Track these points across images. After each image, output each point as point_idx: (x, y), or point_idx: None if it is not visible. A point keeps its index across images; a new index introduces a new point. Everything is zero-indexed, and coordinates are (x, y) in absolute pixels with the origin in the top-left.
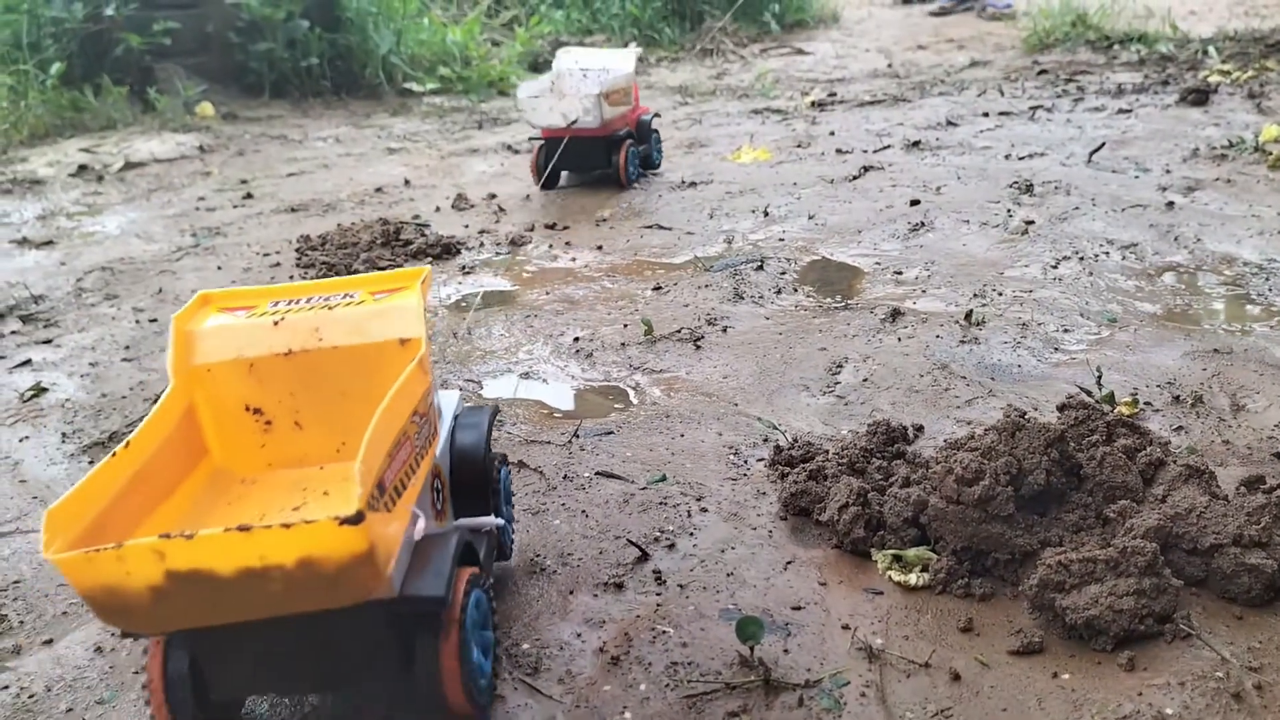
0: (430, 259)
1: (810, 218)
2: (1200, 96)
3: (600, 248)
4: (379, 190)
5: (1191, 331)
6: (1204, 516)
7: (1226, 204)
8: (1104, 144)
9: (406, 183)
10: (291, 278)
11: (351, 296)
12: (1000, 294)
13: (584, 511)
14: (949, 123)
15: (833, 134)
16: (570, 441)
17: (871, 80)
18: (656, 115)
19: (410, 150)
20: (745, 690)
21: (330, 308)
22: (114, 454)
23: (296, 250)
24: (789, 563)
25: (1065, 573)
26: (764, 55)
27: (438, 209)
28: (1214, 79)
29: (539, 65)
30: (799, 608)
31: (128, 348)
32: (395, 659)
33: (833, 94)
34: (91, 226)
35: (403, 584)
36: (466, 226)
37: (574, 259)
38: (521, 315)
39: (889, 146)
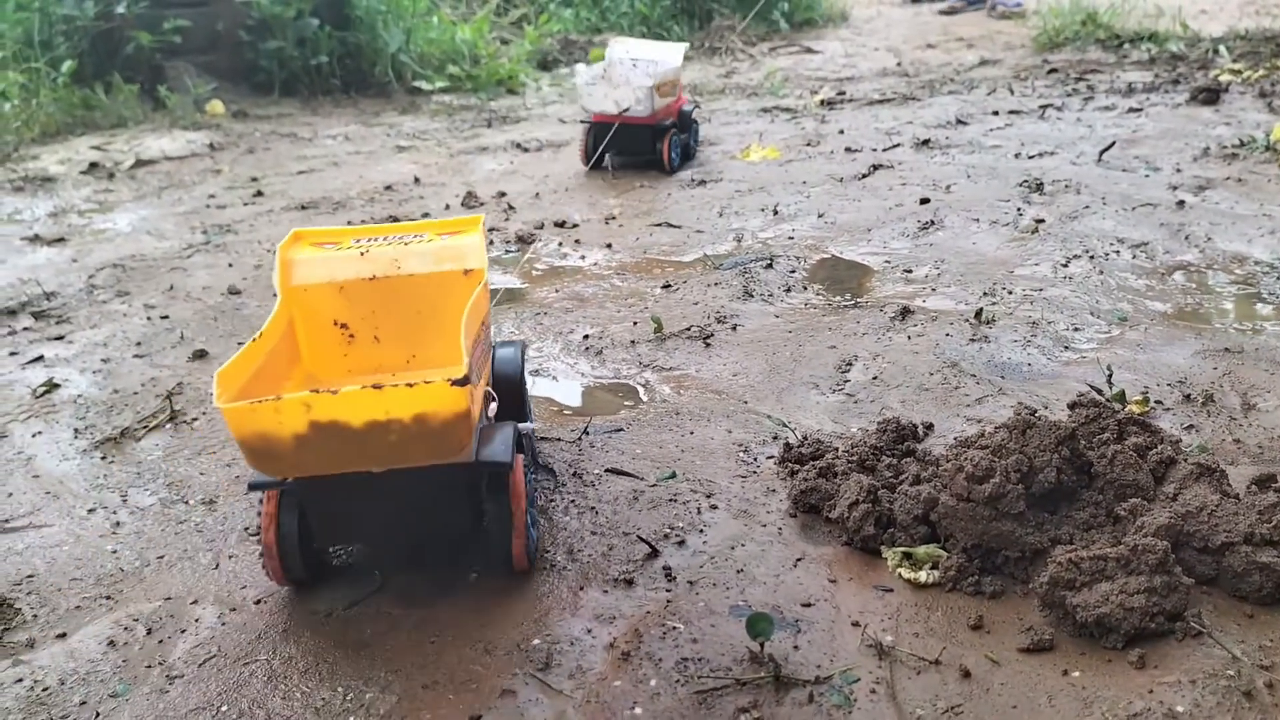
0: None
1: (820, 216)
2: (1211, 95)
3: (610, 246)
4: (388, 188)
5: (1202, 330)
6: (1215, 515)
7: (1237, 203)
8: (1114, 143)
9: (416, 181)
10: None
11: (421, 237)
12: (1010, 292)
13: (594, 508)
14: (958, 121)
15: (842, 132)
16: (580, 438)
17: (881, 79)
18: (696, 106)
19: (419, 148)
20: (755, 686)
21: (406, 244)
22: (251, 341)
23: None
24: (799, 560)
25: (1076, 570)
26: (773, 54)
27: (447, 207)
28: (1225, 78)
29: (548, 64)
30: (809, 604)
31: (139, 344)
32: (467, 517)
33: (842, 92)
34: (103, 224)
35: (477, 452)
36: None
37: (583, 257)
38: (531, 312)
39: (898, 145)
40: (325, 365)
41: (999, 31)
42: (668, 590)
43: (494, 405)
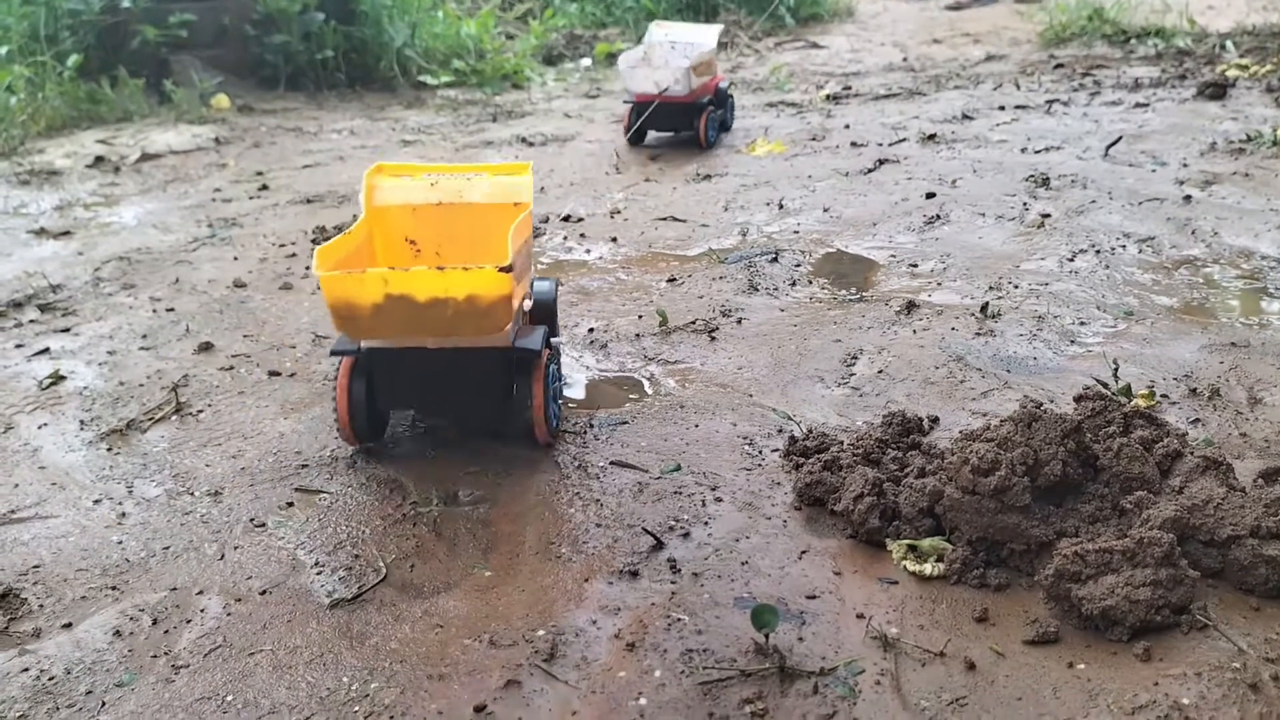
0: None
1: (825, 210)
2: (1218, 91)
3: (615, 240)
4: None
5: (1209, 325)
6: (1221, 508)
7: (1244, 198)
8: (1121, 138)
9: None
10: (308, 269)
11: (481, 176)
12: (1016, 287)
13: (598, 501)
14: (965, 116)
15: (848, 127)
16: (585, 431)
17: (886, 74)
18: (731, 84)
19: (425, 143)
20: (760, 678)
21: (468, 180)
22: (339, 236)
23: (312, 241)
24: (804, 552)
25: (1081, 563)
26: (778, 49)
27: None
28: (1232, 73)
29: (553, 58)
30: (814, 596)
31: (145, 336)
32: (501, 392)
33: (847, 88)
34: (108, 217)
35: (514, 340)
36: None
37: (588, 251)
38: None
39: (904, 140)
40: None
41: (1005, 27)
42: (672, 582)
43: (529, 303)
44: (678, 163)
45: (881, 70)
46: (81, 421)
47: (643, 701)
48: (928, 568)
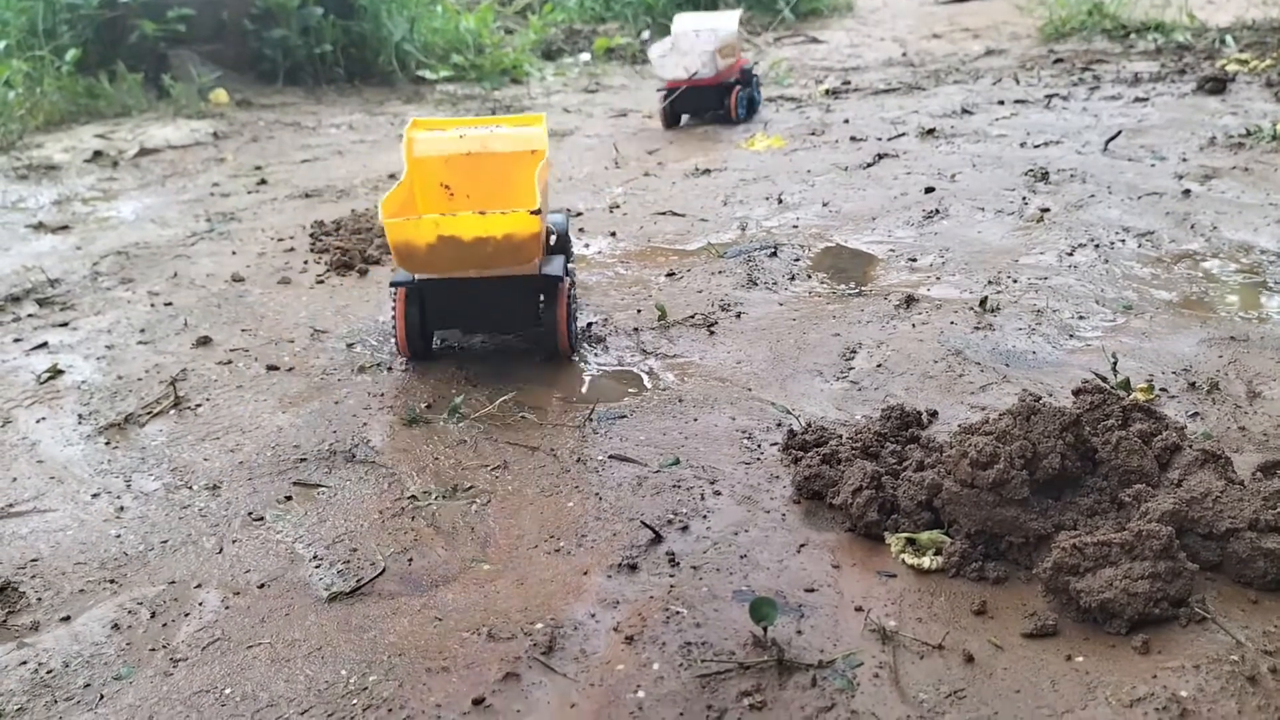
0: None
1: (824, 205)
2: (1218, 85)
3: (614, 234)
4: (392, 177)
5: (1208, 319)
6: (1220, 501)
7: (1244, 192)
8: (1120, 132)
9: None
10: (306, 263)
11: (501, 128)
12: (1015, 281)
13: (597, 494)
14: (964, 111)
15: (847, 122)
16: (584, 425)
17: (886, 69)
18: (756, 64)
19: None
20: (759, 670)
21: (491, 131)
22: (392, 189)
23: (311, 235)
24: (802, 545)
25: (1080, 556)
26: (778, 44)
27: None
28: (1231, 68)
29: (552, 53)
30: (812, 590)
31: (143, 331)
32: (531, 314)
33: (847, 82)
34: (107, 212)
35: (541, 269)
36: None
37: (587, 245)
38: None
39: (903, 134)
40: (433, 213)
41: (1005, 22)
42: (671, 575)
43: (554, 237)
44: (677, 157)
45: (881, 65)
46: (80, 415)
47: (641, 694)
48: (926, 561)
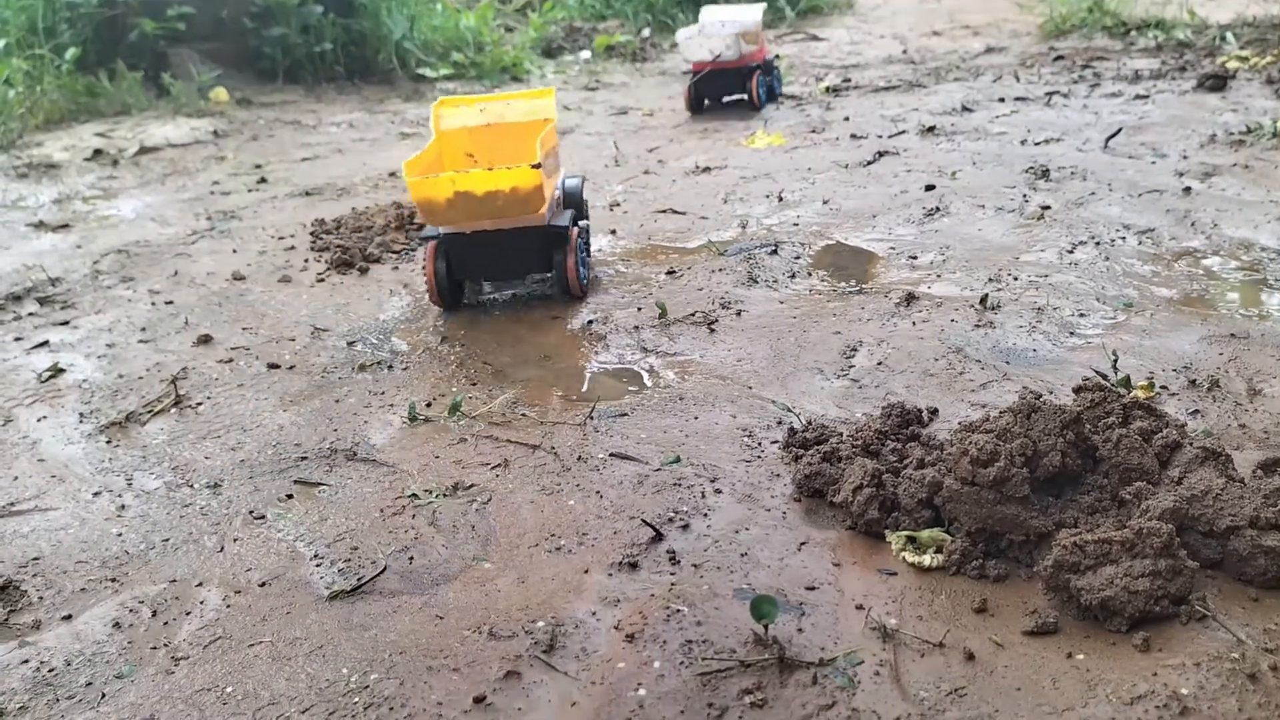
0: None
1: (825, 202)
2: (1218, 82)
3: (614, 232)
4: (392, 175)
5: (1208, 316)
6: (1220, 499)
7: (1244, 189)
8: (1121, 129)
9: None
10: (307, 261)
11: (517, 101)
12: (1016, 279)
13: (598, 492)
14: (964, 108)
15: (847, 119)
16: (585, 423)
17: (886, 66)
18: (778, 56)
19: (423, 135)
20: (759, 668)
21: (507, 105)
22: (418, 154)
23: (311, 233)
24: (803, 543)
25: (1080, 554)
26: (778, 41)
27: None
28: (1232, 65)
29: (552, 50)
30: (813, 588)
31: (144, 329)
32: (543, 261)
33: (847, 80)
34: (107, 210)
35: (549, 221)
36: None
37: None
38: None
39: (904, 132)
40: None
41: (1005, 19)
42: (672, 574)
43: (559, 192)
44: (677, 155)
45: (881, 62)
46: (81, 414)
47: (642, 692)
48: (927, 559)
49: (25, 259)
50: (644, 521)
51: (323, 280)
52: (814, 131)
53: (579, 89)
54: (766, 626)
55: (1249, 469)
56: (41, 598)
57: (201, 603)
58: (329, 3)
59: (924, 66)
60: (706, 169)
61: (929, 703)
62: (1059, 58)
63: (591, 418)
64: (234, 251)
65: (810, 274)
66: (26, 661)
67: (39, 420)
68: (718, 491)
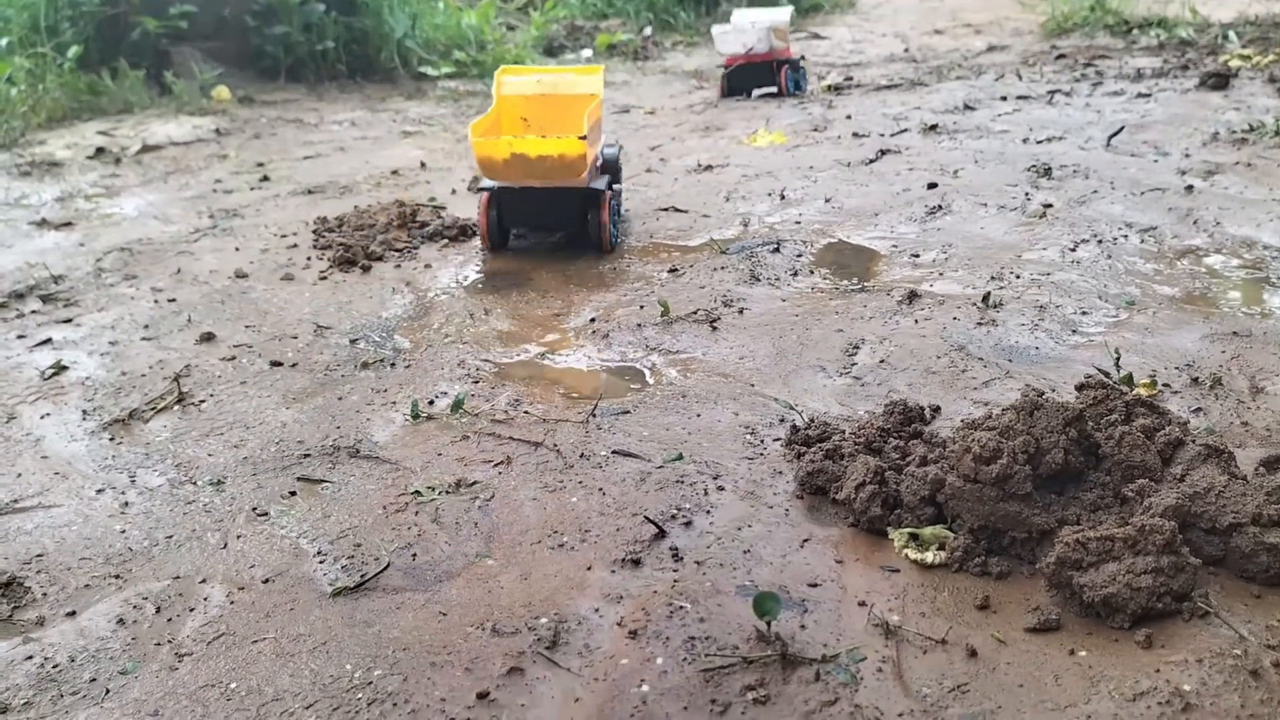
0: (446, 241)
1: (827, 201)
2: (1220, 81)
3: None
4: (395, 173)
5: (1210, 314)
6: (1223, 496)
7: (1247, 188)
8: (1123, 128)
9: (422, 165)
10: (309, 259)
11: (569, 75)
12: (1018, 277)
13: (601, 489)
14: (966, 107)
15: (849, 118)
16: (587, 420)
17: (888, 65)
18: (803, 58)
19: (425, 134)
20: (762, 665)
21: (561, 77)
22: (481, 116)
23: (313, 231)
24: (805, 540)
25: (1083, 551)
26: None
27: (454, 191)
28: (1234, 63)
29: (554, 49)
30: (815, 585)
31: (147, 326)
32: (580, 217)
33: (849, 78)
34: (109, 208)
35: (589, 183)
36: None
37: None
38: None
39: (906, 130)
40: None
41: (1007, 18)
42: (675, 570)
43: (601, 162)
44: (679, 153)
45: (883, 61)
46: (84, 411)
47: (645, 689)
48: (929, 556)
49: (28, 257)
50: (646, 518)
51: (325, 278)
52: (816, 130)
53: None
54: (769, 623)
55: (1251, 466)
56: (45, 594)
57: (205, 599)
58: (331, 1)
59: (926, 65)
60: (708, 167)
61: (931, 699)
62: (1061, 56)
63: (594, 415)
64: (236, 249)
65: (812, 272)
66: (31, 657)
67: (42, 417)
68: (720, 489)
